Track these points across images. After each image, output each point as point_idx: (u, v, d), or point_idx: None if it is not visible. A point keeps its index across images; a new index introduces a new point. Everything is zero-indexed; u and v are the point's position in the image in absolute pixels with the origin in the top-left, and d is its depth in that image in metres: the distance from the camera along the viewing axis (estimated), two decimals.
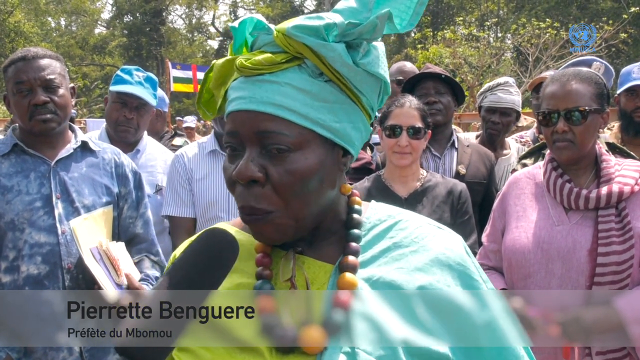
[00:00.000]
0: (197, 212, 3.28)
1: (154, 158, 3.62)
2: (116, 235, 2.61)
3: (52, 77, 2.44)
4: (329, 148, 1.09)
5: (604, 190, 2.30)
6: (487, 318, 1.11)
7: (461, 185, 2.98)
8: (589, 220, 2.32)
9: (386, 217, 1.21)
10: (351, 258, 1.12)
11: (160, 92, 4.61)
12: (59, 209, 2.43)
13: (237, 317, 1.09)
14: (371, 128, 1.18)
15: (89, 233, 2.42)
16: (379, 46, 1.12)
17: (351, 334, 1.04)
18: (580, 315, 2.23)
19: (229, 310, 1.10)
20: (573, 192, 2.33)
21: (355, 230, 1.16)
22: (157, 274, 2.66)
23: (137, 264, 2.62)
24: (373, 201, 1.27)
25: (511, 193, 2.56)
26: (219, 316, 1.10)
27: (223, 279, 1.03)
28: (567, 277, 2.29)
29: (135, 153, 3.51)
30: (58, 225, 2.41)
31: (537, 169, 2.56)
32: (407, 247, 1.14)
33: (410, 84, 3.71)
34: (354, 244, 1.14)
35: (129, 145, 3.49)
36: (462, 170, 3.48)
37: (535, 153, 3.22)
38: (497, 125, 4.06)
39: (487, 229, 2.65)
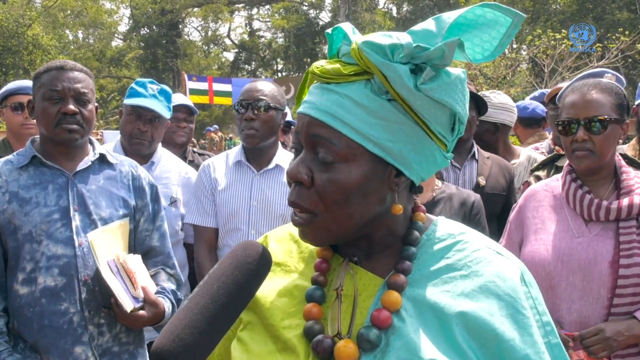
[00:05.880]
0: (218, 222, 3.29)
1: (168, 170, 3.62)
2: (132, 248, 2.60)
3: (85, 90, 2.48)
4: (379, 166, 1.09)
5: (625, 201, 2.28)
6: (528, 352, 1.07)
7: (475, 197, 2.94)
8: (609, 231, 2.30)
9: (446, 236, 1.19)
10: (401, 276, 1.12)
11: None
12: (76, 221, 2.43)
13: (286, 317, 1.14)
14: (446, 157, 1.17)
15: (107, 246, 2.42)
16: (457, 74, 1.08)
17: (384, 352, 1.06)
18: (602, 328, 2.20)
19: (279, 309, 1.16)
20: (593, 203, 2.31)
21: (412, 248, 1.16)
22: (173, 286, 2.65)
23: (153, 276, 2.62)
24: (442, 217, 1.26)
25: (529, 206, 2.54)
26: (269, 314, 1.16)
27: (256, 290, 1.07)
28: (589, 289, 2.26)
29: (149, 165, 3.51)
30: (75, 237, 2.41)
31: (555, 181, 2.54)
32: (458, 271, 1.13)
33: None
34: (407, 262, 1.14)
35: (143, 157, 3.49)
36: (482, 182, 3.46)
37: (548, 165, 3.20)
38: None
39: (502, 241, 2.62)
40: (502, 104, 4.16)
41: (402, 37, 1.06)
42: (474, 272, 1.12)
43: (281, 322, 1.14)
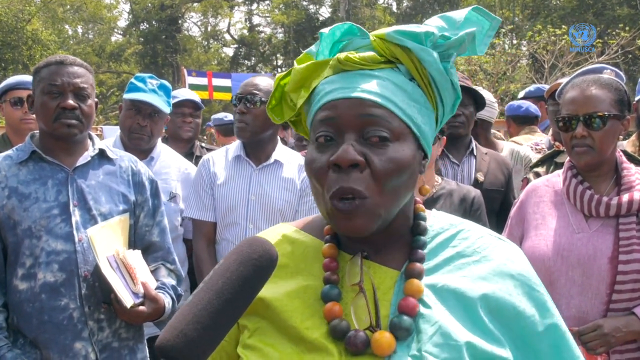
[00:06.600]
0: (217, 216, 3.30)
1: (167, 165, 3.62)
2: (132, 243, 2.60)
3: (84, 85, 2.48)
4: (416, 147, 1.13)
5: (625, 197, 2.28)
6: (548, 325, 1.14)
7: (475, 192, 2.95)
8: (609, 227, 2.30)
9: (448, 226, 1.23)
10: (417, 265, 1.15)
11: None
12: (76, 216, 2.43)
13: (305, 319, 1.14)
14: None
15: (106, 241, 2.42)
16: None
17: (418, 338, 1.08)
18: (600, 324, 2.21)
19: (296, 311, 1.15)
20: (593, 199, 2.31)
21: (422, 237, 1.19)
22: (173, 282, 2.65)
23: (153, 272, 2.61)
24: (434, 209, 1.30)
25: (530, 201, 2.54)
26: (287, 317, 1.15)
27: (261, 287, 1.05)
28: (588, 285, 2.27)
29: (149, 160, 3.50)
30: (75, 232, 2.40)
31: (556, 177, 2.54)
32: (469, 257, 1.17)
33: None
34: (420, 251, 1.17)
35: (142, 152, 3.49)
36: (481, 178, 3.47)
37: (547, 161, 3.20)
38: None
39: (503, 236, 2.62)
40: None
41: (429, 28, 1.13)
42: (484, 257, 1.17)
43: (302, 323, 1.13)
